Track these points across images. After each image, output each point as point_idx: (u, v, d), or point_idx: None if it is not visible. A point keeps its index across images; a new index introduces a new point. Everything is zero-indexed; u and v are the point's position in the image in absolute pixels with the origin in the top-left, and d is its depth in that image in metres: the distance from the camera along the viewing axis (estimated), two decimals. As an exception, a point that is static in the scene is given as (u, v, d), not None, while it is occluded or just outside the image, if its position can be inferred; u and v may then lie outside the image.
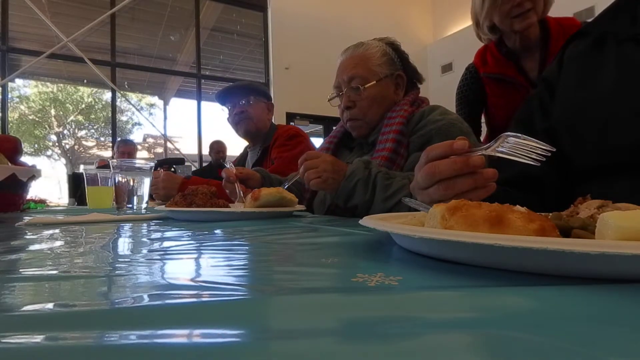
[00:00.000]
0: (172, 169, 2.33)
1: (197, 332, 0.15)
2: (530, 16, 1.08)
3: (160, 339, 0.14)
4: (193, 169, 4.13)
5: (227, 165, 0.99)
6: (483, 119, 1.38)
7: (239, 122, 1.49)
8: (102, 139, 11.79)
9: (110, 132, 5.64)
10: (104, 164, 2.96)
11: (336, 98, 1.01)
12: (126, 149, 3.09)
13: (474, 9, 1.19)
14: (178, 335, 0.15)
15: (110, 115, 5.49)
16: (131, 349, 0.14)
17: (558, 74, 0.62)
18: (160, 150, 10.65)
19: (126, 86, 7.85)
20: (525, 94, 1.18)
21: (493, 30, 1.17)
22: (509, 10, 1.08)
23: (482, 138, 1.39)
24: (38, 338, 0.14)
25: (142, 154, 11.18)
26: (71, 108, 11.45)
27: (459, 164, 0.40)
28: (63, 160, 11.58)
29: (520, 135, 0.38)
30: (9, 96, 7.49)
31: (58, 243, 0.43)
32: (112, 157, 3.45)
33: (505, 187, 0.58)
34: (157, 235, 0.51)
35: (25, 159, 1.26)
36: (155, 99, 10.33)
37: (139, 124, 11.65)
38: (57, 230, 0.57)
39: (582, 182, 0.56)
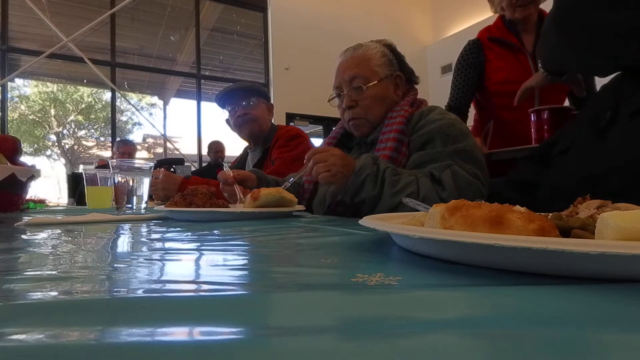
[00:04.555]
0: (172, 169, 2.32)
1: (196, 328, 0.15)
2: (529, 8, 1.35)
3: (160, 336, 0.14)
4: (192, 169, 4.13)
5: (225, 167, 0.99)
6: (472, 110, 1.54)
7: (243, 124, 1.48)
8: (101, 139, 11.79)
9: (110, 132, 5.63)
10: (103, 164, 2.96)
11: (336, 99, 1.01)
12: (126, 149, 3.08)
13: None
14: (177, 332, 0.15)
15: (110, 115, 5.48)
16: (130, 346, 0.14)
17: None
18: (160, 150, 10.64)
19: (126, 86, 7.84)
20: (523, 59, 1.40)
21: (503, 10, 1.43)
22: (515, 1, 1.35)
23: (469, 123, 1.50)
24: (38, 336, 0.14)
25: (141, 154, 11.17)
26: (71, 108, 11.44)
27: None
28: (63, 160, 11.57)
29: None
30: (9, 96, 7.47)
31: (57, 243, 0.43)
32: (112, 157, 3.45)
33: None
34: (157, 235, 0.51)
35: (24, 158, 1.26)
36: (155, 99, 10.34)
37: (139, 124, 11.67)
38: (56, 231, 0.56)
39: None
